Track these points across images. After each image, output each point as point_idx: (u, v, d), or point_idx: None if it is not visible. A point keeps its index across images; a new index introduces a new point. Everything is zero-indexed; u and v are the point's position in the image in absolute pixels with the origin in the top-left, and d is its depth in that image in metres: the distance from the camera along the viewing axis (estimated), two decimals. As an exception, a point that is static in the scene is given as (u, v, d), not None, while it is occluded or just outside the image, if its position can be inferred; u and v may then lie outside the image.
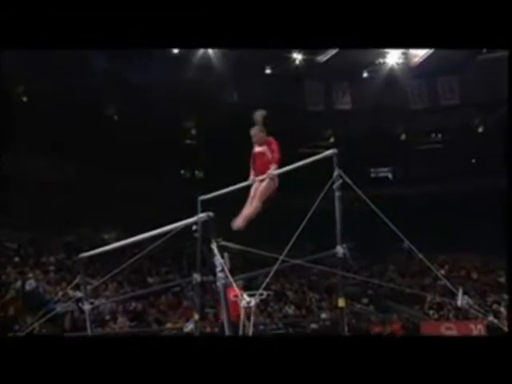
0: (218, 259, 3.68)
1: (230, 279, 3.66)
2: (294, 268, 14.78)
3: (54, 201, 16.19)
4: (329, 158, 4.95)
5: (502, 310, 13.97)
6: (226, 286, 3.76)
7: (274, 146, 5.07)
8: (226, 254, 3.81)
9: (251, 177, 5.12)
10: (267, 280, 3.70)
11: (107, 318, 10.91)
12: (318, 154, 5.10)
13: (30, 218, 15.36)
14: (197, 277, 5.26)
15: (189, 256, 13.35)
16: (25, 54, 15.37)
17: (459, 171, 21.79)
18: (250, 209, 5.04)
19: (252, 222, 5.10)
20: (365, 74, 22.50)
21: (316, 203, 4.34)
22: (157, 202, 18.01)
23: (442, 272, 15.73)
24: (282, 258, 4.07)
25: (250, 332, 3.77)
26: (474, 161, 22.87)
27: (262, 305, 13.11)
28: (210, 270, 4.51)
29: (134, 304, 11.90)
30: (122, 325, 10.78)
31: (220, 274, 3.72)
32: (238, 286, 4.10)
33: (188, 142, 23.27)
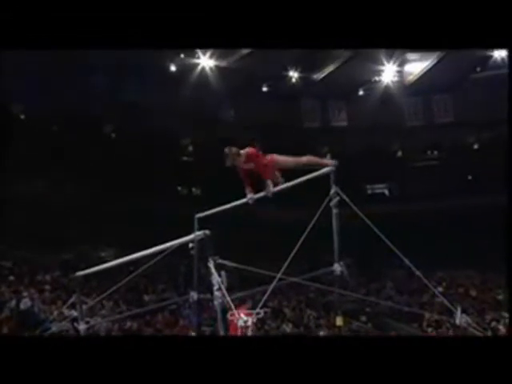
0: (215, 278, 3.65)
1: (228, 298, 3.63)
2: (292, 285, 14.69)
3: (50, 218, 16.10)
4: (326, 175, 4.96)
5: (501, 327, 13.87)
6: (224, 304, 3.73)
7: (258, 158, 5.13)
8: (223, 273, 3.78)
9: (248, 195, 5.12)
10: (264, 298, 3.67)
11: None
12: (315, 170, 5.11)
13: (26, 235, 15.26)
14: (194, 295, 5.22)
15: (185, 274, 13.26)
16: (24, 72, 15.50)
17: (456, 188, 21.85)
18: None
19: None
20: (360, 92, 22.69)
21: (313, 221, 4.34)
22: (154, 219, 17.94)
23: (440, 289, 15.64)
24: (279, 276, 4.05)
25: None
26: (470, 177, 22.94)
27: (259, 323, 13.00)
28: (207, 288, 4.48)
29: (129, 323, 11.76)
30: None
31: (217, 293, 3.69)
32: (235, 304, 4.07)
33: (185, 158, 23.29)
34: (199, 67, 19.41)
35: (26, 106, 18.43)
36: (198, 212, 5.71)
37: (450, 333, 13.94)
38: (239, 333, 3.86)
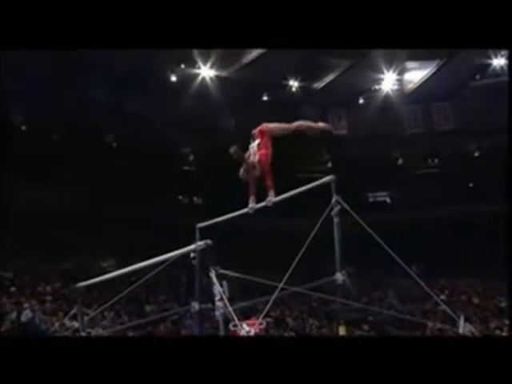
0: (217, 288, 3.64)
1: (230, 309, 3.61)
2: (294, 295, 14.63)
3: (50, 228, 16.09)
4: (327, 184, 4.96)
5: (504, 335, 13.77)
6: (226, 314, 3.72)
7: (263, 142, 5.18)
8: (224, 283, 3.77)
9: (250, 204, 5.12)
10: (267, 308, 3.65)
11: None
12: (316, 179, 5.11)
13: (26, 245, 15.23)
14: (195, 305, 5.20)
15: (187, 284, 13.21)
16: (25, 81, 15.58)
17: (457, 196, 21.82)
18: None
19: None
20: (361, 101, 22.76)
21: (314, 230, 4.33)
22: (155, 229, 17.93)
23: (443, 297, 15.55)
24: (281, 285, 4.03)
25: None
26: (471, 185, 22.91)
27: (262, 333, 12.92)
28: (209, 298, 4.46)
29: (131, 334, 11.69)
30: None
31: (219, 303, 3.67)
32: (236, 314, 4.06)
33: (186, 168, 23.33)
34: (199, 77, 19.49)
35: (27, 116, 18.51)
36: (199, 221, 5.71)
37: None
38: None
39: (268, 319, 3.59)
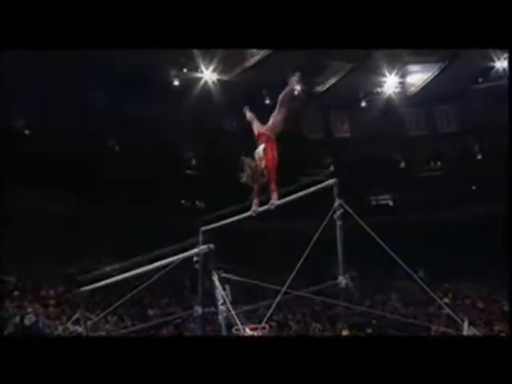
0: (220, 292, 3.64)
1: (233, 313, 3.61)
2: (297, 298, 14.60)
3: (54, 232, 16.11)
4: (329, 187, 4.96)
5: (505, 336, 13.71)
6: (229, 318, 3.71)
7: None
8: (227, 287, 3.77)
9: (253, 207, 5.11)
10: (269, 312, 3.65)
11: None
12: (319, 182, 5.11)
13: (29, 250, 15.24)
14: (198, 309, 5.20)
15: (189, 288, 13.20)
16: (25, 82, 15.62)
17: (460, 198, 21.76)
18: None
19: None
20: (363, 104, 22.75)
21: (317, 234, 4.33)
22: (157, 232, 17.92)
23: (446, 300, 15.49)
24: (283, 289, 4.03)
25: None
26: (474, 188, 22.85)
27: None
28: (212, 302, 4.46)
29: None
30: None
31: (222, 307, 3.67)
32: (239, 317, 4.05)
33: (188, 172, 23.34)
34: (202, 81, 19.53)
35: (27, 118, 18.54)
36: (201, 225, 5.71)
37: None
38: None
39: (271, 323, 3.59)
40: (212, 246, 3.98)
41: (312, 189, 4.98)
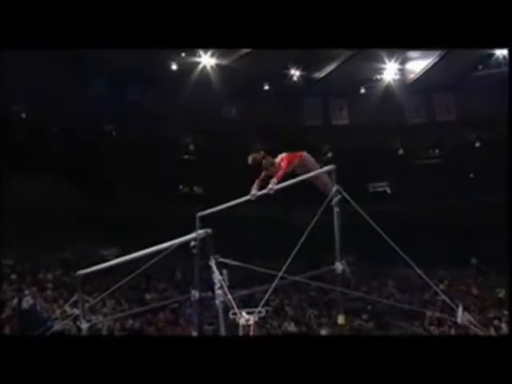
0: (217, 276, 3.66)
1: (229, 297, 3.63)
2: (293, 284, 14.69)
3: (51, 217, 16.12)
4: (327, 173, 4.95)
5: (503, 326, 13.85)
6: (226, 302, 3.73)
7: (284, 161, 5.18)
8: (224, 271, 3.79)
9: (252, 191, 5.12)
10: (266, 297, 3.67)
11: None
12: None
13: (27, 233, 15.27)
14: (195, 293, 5.22)
15: (186, 272, 13.26)
16: (24, 73, 15.53)
17: (457, 186, 21.80)
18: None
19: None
20: (362, 90, 22.64)
21: (314, 220, 4.34)
22: (155, 218, 17.95)
23: (442, 287, 15.62)
24: (280, 274, 4.05)
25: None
26: (472, 176, 22.88)
27: (261, 322, 12.99)
28: (209, 286, 4.48)
29: (131, 321, 11.77)
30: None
31: (219, 292, 3.69)
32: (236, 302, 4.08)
33: (186, 157, 23.29)
34: (200, 66, 19.39)
35: (26, 105, 18.47)
36: (199, 210, 5.71)
37: (452, 331, 13.94)
38: (241, 332, 3.86)
39: (267, 308, 3.64)
40: (209, 230, 3.99)
41: (310, 174, 4.98)
